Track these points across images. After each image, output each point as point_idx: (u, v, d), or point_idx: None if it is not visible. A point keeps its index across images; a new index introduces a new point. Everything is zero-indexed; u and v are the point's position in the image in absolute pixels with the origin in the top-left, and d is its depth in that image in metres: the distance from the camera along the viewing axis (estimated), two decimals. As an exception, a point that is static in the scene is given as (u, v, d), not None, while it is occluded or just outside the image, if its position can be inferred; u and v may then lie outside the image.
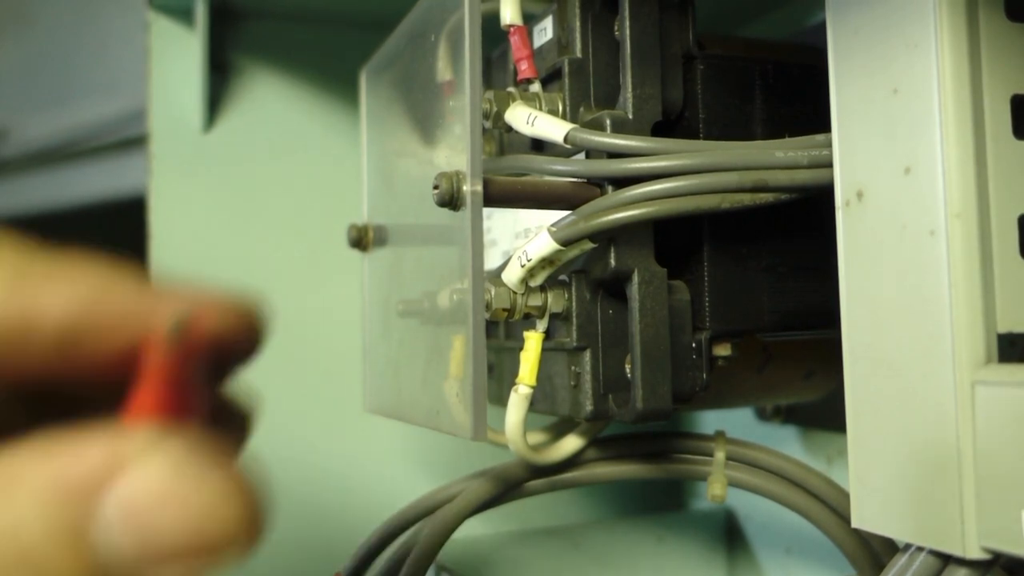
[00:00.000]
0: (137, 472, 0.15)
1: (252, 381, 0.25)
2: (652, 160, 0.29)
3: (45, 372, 0.16)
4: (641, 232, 0.30)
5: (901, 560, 0.25)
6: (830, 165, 0.28)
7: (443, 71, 0.31)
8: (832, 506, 0.33)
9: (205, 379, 0.17)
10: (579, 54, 0.32)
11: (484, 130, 0.32)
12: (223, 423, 0.18)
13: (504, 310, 0.30)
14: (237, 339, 0.18)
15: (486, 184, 0.28)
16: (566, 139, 0.30)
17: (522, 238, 0.36)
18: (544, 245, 0.29)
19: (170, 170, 0.48)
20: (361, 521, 0.49)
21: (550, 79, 0.33)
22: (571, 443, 0.34)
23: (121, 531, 0.15)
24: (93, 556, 0.15)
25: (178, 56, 0.48)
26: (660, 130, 0.31)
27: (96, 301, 0.16)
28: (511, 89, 0.32)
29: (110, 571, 0.15)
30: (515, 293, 0.30)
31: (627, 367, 0.31)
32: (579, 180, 0.30)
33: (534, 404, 0.31)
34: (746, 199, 0.29)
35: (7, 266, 0.16)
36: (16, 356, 0.16)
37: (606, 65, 0.32)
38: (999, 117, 0.24)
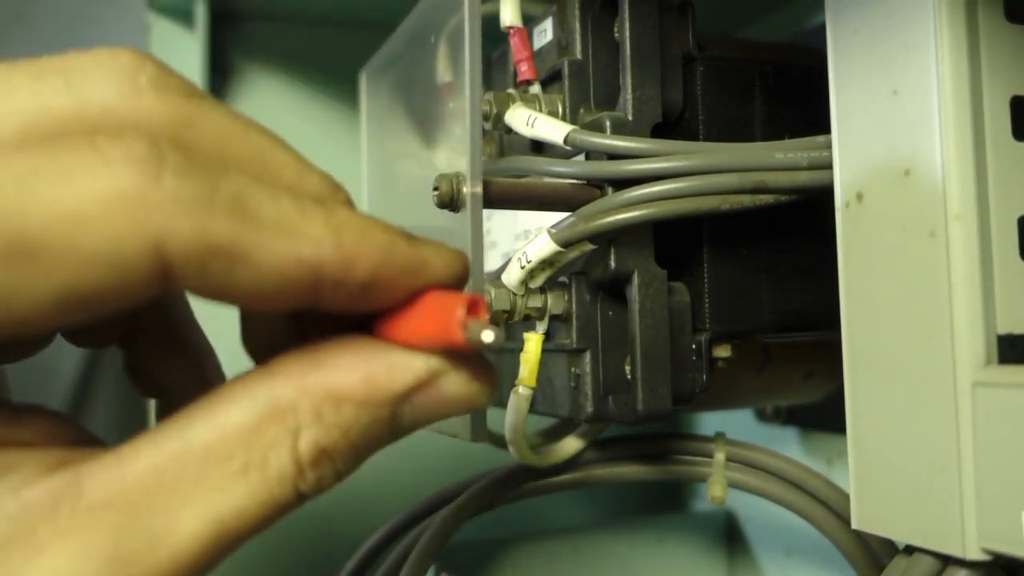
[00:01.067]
0: (449, 378, 0.21)
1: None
2: (652, 162, 0.29)
3: (340, 307, 0.21)
4: (641, 233, 0.30)
5: (901, 561, 0.25)
6: (830, 166, 0.28)
7: (443, 73, 0.31)
8: (832, 507, 0.33)
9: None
10: (579, 55, 0.32)
11: (484, 132, 0.32)
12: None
13: (504, 311, 0.30)
14: None
15: (486, 186, 0.28)
16: (566, 140, 0.30)
17: (522, 240, 0.36)
18: (544, 247, 0.29)
19: (170, 172, 0.48)
20: (361, 523, 0.49)
21: (550, 80, 0.33)
22: (571, 444, 0.34)
23: (419, 412, 0.22)
24: (398, 428, 0.22)
25: (178, 58, 0.48)
26: (660, 131, 0.31)
27: (389, 256, 0.21)
28: (511, 90, 0.32)
29: (400, 434, 0.22)
30: (515, 295, 0.30)
31: (627, 368, 0.31)
32: (579, 181, 0.30)
33: (534, 405, 0.31)
34: (746, 200, 0.29)
35: (326, 215, 0.20)
36: (329, 294, 0.20)
37: (606, 66, 0.32)
38: (999, 118, 0.24)
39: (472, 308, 0.20)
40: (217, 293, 0.20)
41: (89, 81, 0.20)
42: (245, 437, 0.20)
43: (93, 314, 0.18)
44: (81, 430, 0.22)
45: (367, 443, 0.21)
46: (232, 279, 0.19)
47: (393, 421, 0.21)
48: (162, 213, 0.18)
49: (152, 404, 0.45)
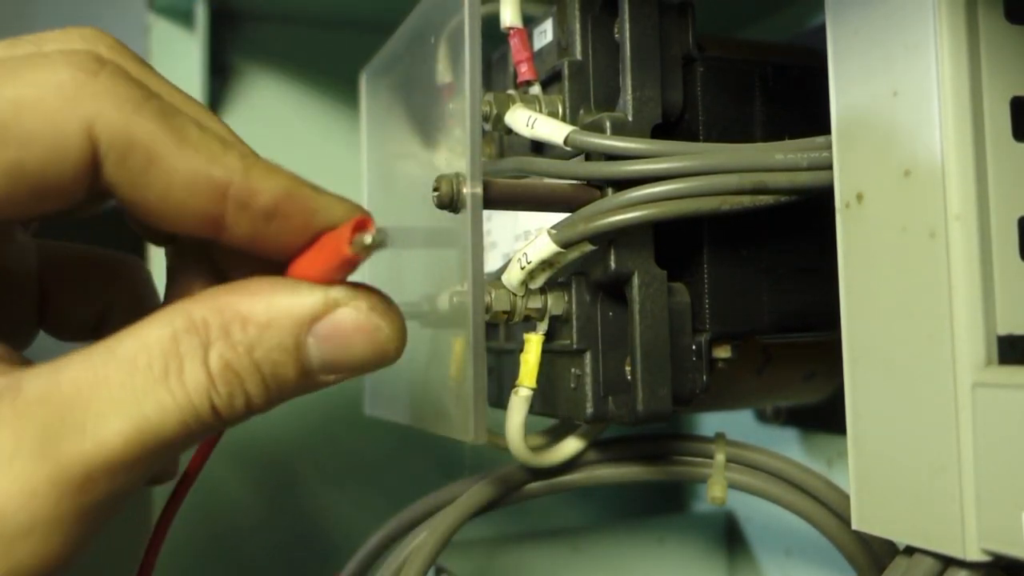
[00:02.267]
0: (346, 309, 0.23)
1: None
2: (652, 162, 0.29)
3: (245, 238, 0.23)
4: (641, 234, 0.30)
5: (902, 562, 0.25)
6: (830, 167, 0.28)
7: (443, 73, 0.31)
8: (832, 508, 0.33)
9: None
10: (579, 56, 0.32)
11: (484, 132, 0.32)
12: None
13: (504, 312, 0.30)
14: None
15: (486, 186, 0.28)
16: (566, 141, 0.30)
17: (522, 240, 0.36)
18: (544, 247, 0.29)
19: (170, 172, 0.48)
20: (361, 524, 0.49)
21: (550, 81, 0.33)
22: (571, 445, 0.34)
23: (325, 346, 0.23)
24: (306, 362, 0.23)
25: (178, 59, 0.48)
26: (660, 132, 0.31)
27: (291, 191, 0.23)
28: (511, 91, 0.32)
29: (312, 375, 0.24)
30: (515, 295, 0.30)
31: (627, 369, 0.31)
32: (579, 182, 0.30)
33: (534, 406, 0.31)
34: (746, 201, 0.29)
35: (241, 154, 0.23)
36: (234, 219, 0.23)
37: (606, 67, 0.32)
38: (999, 119, 0.24)
39: (360, 225, 0.23)
40: (132, 193, 0.22)
41: (54, 43, 0.23)
42: (164, 347, 0.22)
43: (40, 198, 0.22)
44: (24, 359, 0.24)
45: (272, 369, 0.23)
46: (147, 180, 0.22)
47: (298, 352, 0.23)
48: (95, 101, 0.21)
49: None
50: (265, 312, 0.23)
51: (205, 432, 0.23)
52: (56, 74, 0.21)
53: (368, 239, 0.22)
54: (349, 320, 0.23)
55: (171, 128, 0.22)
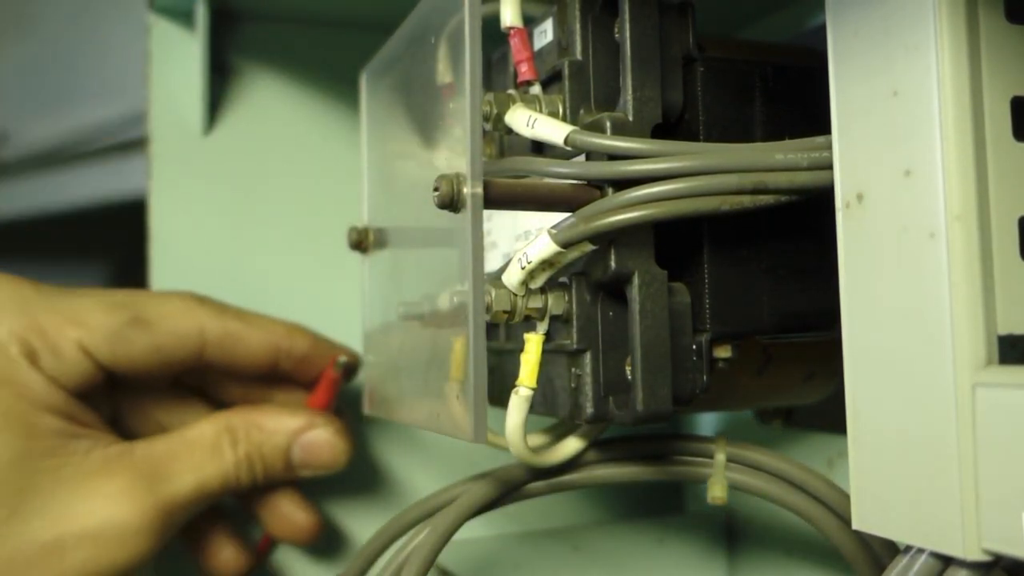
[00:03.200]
0: (318, 430, 0.41)
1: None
2: (652, 162, 0.29)
3: (290, 373, 0.44)
4: (641, 234, 0.30)
5: (902, 562, 0.25)
6: (830, 167, 0.28)
7: (443, 74, 0.31)
8: (832, 508, 0.33)
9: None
10: (579, 56, 0.32)
11: (484, 132, 0.32)
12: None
13: (504, 312, 0.30)
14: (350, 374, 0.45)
15: (486, 186, 0.28)
16: (566, 141, 0.30)
17: (522, 240, 0.36)
18: (544, 247, 0.29)
19: (170, 172, 0.48)
20: (361, 524, 0.49)
21: (550, 81, 0.33)
22: (571, 445, 0.34)
23: (302, 452, 0.41)
24: (290, 459, 0.41)
25: (178, 59, 0.48)
26: (660, 132, 0.31)
27: (315, 346, 0.44)
28: (511, 91, 0.32)
29: (293, 468, 0.41)
30: (515, 295, 0.30)
31: (627, 369, 0.31)
32: (579, 182, 0.30)
33: (534, 406, 0.31)
34: (746, 201, 0.29)
35: (285, 326, 0.43)
36: (284, 361, 0.43)
37: (606, 67, 0.32)
38: (999, 119, 0.24)
39: (337, 358, 0.43)
40: (225, 360, 0.41)
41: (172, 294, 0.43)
42: (214, 437, 0.40)
43: (167, 366, 0.40)
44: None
45: (271, 461, 0.41)
46: (237, 351, 0.41)
47: (286, 452, 0.41)
48: (202, 314, 0.41)
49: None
50: (272, 424, 0.41)
51: (230, 491, 0.40)
52: (182, 300, 0.41)
53: (342, 359, 0.43)
54: (321, 436, 0.41)
55: (246, 322, 0.41)
